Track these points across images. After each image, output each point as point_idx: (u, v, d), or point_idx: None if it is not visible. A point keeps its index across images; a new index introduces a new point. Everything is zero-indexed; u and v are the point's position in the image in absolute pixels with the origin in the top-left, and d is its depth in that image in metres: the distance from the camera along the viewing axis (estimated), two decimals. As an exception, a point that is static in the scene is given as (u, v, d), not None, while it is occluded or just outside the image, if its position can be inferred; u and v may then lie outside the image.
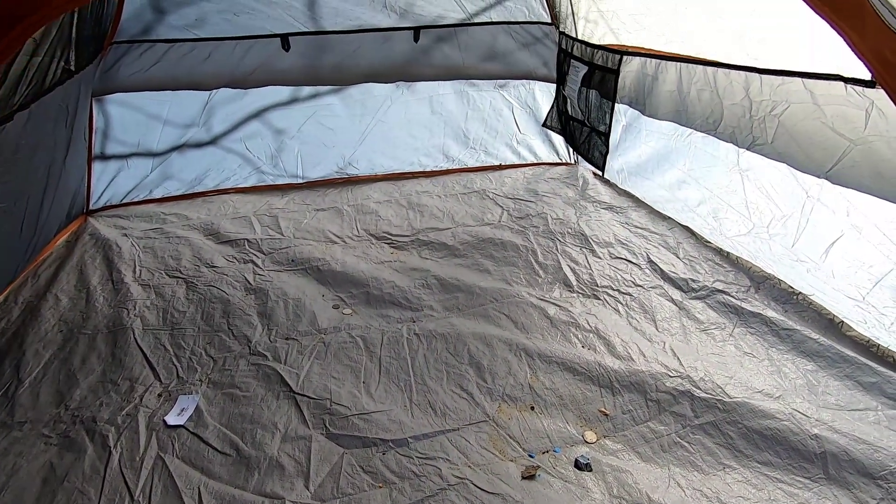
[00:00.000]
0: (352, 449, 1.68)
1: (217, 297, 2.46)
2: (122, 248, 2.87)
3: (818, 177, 1.91)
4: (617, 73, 2.50)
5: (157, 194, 3.39)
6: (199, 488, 1.56)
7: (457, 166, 3.83)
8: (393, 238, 3.03)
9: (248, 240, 2.96)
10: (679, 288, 2.48)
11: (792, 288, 2.32)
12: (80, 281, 2.60)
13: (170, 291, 2.52)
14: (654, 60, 2.37)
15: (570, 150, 4.01)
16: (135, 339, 2.20)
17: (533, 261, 2.75)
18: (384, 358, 2.08)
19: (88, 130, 2.95)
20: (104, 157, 3.16)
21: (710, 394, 1.82)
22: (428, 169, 3.78)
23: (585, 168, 3.90)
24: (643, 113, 2.55)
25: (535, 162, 4.00)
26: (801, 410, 1.76)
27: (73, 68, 2.17)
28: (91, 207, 3.24)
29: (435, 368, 2.01)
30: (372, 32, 3.08)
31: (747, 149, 2.09)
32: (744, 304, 2.30)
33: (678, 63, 2.27)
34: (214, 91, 3.05)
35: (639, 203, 3.33)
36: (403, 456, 1.64)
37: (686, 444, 1.68)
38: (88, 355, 2.11)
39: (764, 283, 2.41)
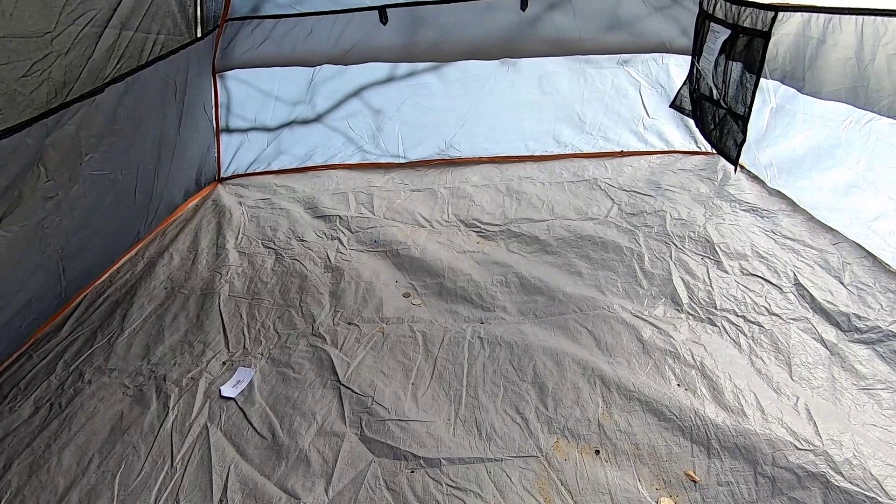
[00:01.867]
0: (381, 458, 1.53)
1: (297, 272, 2.49)
2: (234, 216, 3.07)
3: None
4: (767, 36, 1.88)
5: (274, 167, 3.59)
6: (229, 467, 1.54)
7: (569, 151, 3.43)
8: (482, 226, 2.80)
9: (340, 216, 2.97)
10: (836, 325, 1.87)
11: None
12: (193, 243, 2.84)
13: (260, 261, 2.62)
14: (821, 16, 1.73)
15: (712, 137, 3.34)
16: (219, 304, 2.31)
17: (637, 267, 2.31)
18: (440, 360, 1.89)
19: (214, 105, 3.20)
20: (229, 131, 3.41)
21: (858, 486, 1.30)
22: (536, 153, 3.45)
23: (729, 159, 3.24)
24: (800, 90, 1.91)
25: (666, 150, 3.42)
26: None
27: (183, 41, 2.31)
28: (222, 176, 3.54)
29: (492, 381, 1.77)
30: (473, 1, 2.81)
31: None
32: (937, 361, 1.65)
33: (859, 17, 1.59)
34: (318, 68, 3.09)
35: (794, 208, 2.63)
36: (432, 479, 1.45)
37: (807, 549, 1.22)
38: (179, 314, 2.27)
39: (976, 335, 1.70)
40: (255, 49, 2.93)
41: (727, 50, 2.10)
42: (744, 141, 2.05)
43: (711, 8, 2.38)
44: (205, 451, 1.60)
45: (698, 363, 1.74)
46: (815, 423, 1.48)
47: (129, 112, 2.01)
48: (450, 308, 2.19)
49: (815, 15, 1.75)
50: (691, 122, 3.32)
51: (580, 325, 1.98)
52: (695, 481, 1.38)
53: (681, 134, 3.37)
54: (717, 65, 2.21)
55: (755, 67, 1.88)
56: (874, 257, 2.16)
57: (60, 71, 1.59)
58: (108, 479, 1.53)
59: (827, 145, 1.95)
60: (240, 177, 3.58)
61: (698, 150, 3.41)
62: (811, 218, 2.51)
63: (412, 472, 1.48)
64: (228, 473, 1.53)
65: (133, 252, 2.76)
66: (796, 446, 1.40)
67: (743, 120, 2.01)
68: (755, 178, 3.00)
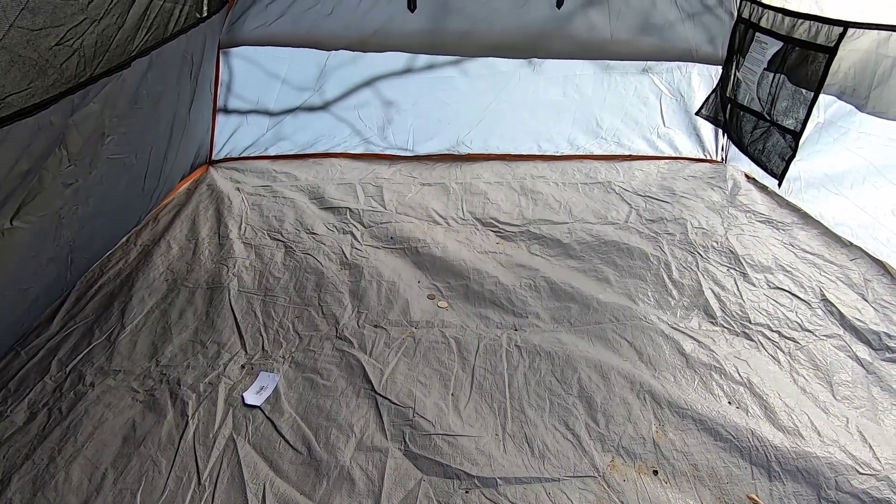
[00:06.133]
0: (431, 476, 1.45)
1: (312, 268, 2.35)
2: (233, 203, 2.88)
3: None
4: (833, 52, 1.88)
5: (272, 152, 3.40)
6: (264, 485, 1.42)
7: (580, 153, 3.39)
8: (500, 226, 2.72)
9: (350, 209, 2.83)
10: (867, 343, 1.90)
11: None
12: (192, 231, 2.64)
13: (269, 254, 2.46)
14: None
15: (719, 146, 3.37)
16: (229, 300, 2.15)
17: (665, 276, 2.29)
18: (478, 369, 1.81)
19: (215, 83, 2.97)
20: (227, 111, 3.19)
21: (922, 511, 1.31)
22: (548, 153, 3.39)
23: (735, 168, 3.27)
24: (860, 108, 1.92)
25: (673, 156, 3.43)
26: None
27: (199, 15, 2.10)
28: (213, 158, 3.32)
29: (536, 394, 1.71)
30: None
31: None
32: (969, 383, 1.69)
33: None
34: (333, 52, 2.91)
35: (807, 220, 2.67)
36: (489, 501, 1.38)
37: (877, 576, 1.22)
38: (186, 310, 2.10)
39: None
40: (267, 26, 2.73)
41: (777, 63, 2.09)
42: (793, 157, 2.04)
43: (757, 17, 2.36)
44: (234, 467, 1.47)
45: (745, 380, 1.72)
46: (870, 445, 1.48)
47: (150, 89, 1.81)
48: (479, 312, 2.10)
49: (895, 34, 1.74)
50: (702, 132, 3.34)
51: (619, 336, 1.94)
52: (758, 505, 1.36)
53: (691, 142, 3.39)
54: (763, 77, 2.19)
55: (812, 83, 1.86)
56: (891, 275, 2.21)
57: (92, 40, 1.39)
58: (128, 498, 1.38)
59: (881, 164, 1.96)
60: (233, 160, 3.37)
61: (704, 157, 3.44)
62: (826, 232, 2.55)
63: (467, 492, 1.40)
64: (264, 492, 1.41)
65: (124, 238, 2.54)
66: (858, 470, 1.40)
67: (794, 135, 2.00)
68: (765, 189, 3.04)
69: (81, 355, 1.85)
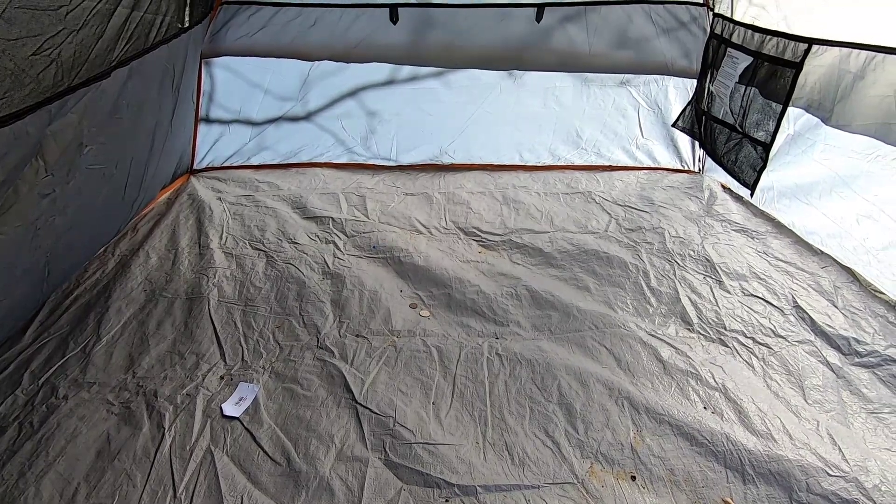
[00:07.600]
0: (411, 485, 1.44)
1: (293, 278, 2.34)
2: (214, 213, 2.86)
3: None
4: (798, 67, 1.96)
5: (254, 162, 3.39)
6: (242, 497, 1.41)
7: (562, 163, 3.45)
8: (482, 235, 2.75)
9: (332, 218, 2.83)
10: (837, 348, 1.95)
11: None
12: (171, 241, 2.61)
13: (250, 264, 2.45)
14: (863, 53, 1.80)
15: (696, 156, 3.46)
16: (209, 310, 2.13)
17: (644, 284, 2.33)
18: (459, 377, 1.82)
19: (197, 92, 2.96)
20: (209, 121, 3.18)
21: (889, 511, 1.35)
22: (530, 163, 3.44)
23: (712, 178, 3.35)
24: (826, 121, 1.99)
25: (652, 166, 3.51)
26: None
27: (180, 26, 2.10)
28: (195, 167, 3.30)
29: (516, 402, 1.72)
30: (488, 8, 2.76)
31: None
32: (933, 386, 1.75)
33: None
34: (315, 64, 2.93)
35: (780, 229, 2.75)
36: (469, 509, 1.38)
37: (847, 576, 1.25)
38: (164, 320, 2.07)
39: (965, 361, 1.82)
40: (249, 36, 2.74)
41: (748, 77, 2.16)
42: (763, 168, 2.11)
43: (728, 34, 2.44)
44: (212, 479, 1.45)
45: (720, 385, 1.76)
46: (839, 448, 1.52)
47: (130, 100, 1.79)
48: (461, 321, 2.12)
49: (855, 50, 1.82)
50: (680, 143, 3.42)
51: (598, 343, 1.96)
52: (733, 508, 1.39)
53: (669, 153, 3.46)
54: (734, 90, 2.27)
55: (781, 97, 1.93)
56: (861, 281, 2.28)
57: (70, 51, 1.38)
58: (101, 514, 1.36)
59: (845, 175, 2.04)
60: (215, 169, 3.36)
61: (682, 168, 3.52)
62: (800, 240, 2.62)
63: (447, 501, 1.40)
64: (242, 505, 1.39)
65: (102, 249, 2.50)
66: (827, 472, 1.44)
67: (764, 147, 2.07)
68: (740, 198, 3.12)
69: (55, 367, 1.82)
